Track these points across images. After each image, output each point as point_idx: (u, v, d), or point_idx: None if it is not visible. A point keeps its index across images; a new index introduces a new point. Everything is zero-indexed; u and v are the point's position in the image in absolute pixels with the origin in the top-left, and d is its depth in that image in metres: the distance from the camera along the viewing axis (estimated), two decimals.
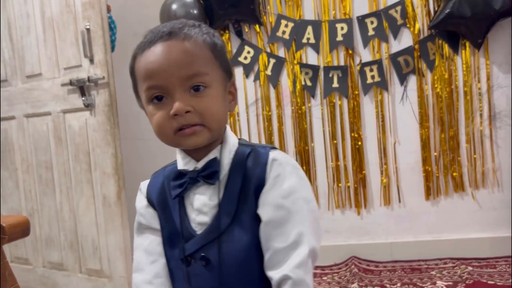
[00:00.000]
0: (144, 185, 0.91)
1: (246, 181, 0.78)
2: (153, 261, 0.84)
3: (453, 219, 2.39)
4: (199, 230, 0.80)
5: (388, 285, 2.11)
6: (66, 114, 2.16)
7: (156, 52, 0.76)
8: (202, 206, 0.80)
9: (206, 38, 0.80)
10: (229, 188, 0.79)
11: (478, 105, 2.33)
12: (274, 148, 0.83)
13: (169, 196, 0.83)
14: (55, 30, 2.16)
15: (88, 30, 2.01)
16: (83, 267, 2.20)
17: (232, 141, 0.83)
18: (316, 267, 2.42)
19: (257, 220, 0.77)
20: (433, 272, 2.22)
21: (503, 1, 2.14)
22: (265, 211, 0.76)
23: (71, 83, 2.06)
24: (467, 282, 2.06)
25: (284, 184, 0.77)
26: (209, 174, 0.79)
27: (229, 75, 0.84)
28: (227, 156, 0.81)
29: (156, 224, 0.86)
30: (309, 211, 0.78)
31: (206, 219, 0.80)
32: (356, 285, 2.10)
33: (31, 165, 2.34)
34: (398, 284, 2.11)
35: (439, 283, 2.09)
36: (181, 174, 0.81)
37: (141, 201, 0.90)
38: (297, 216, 0.76)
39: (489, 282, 2.05)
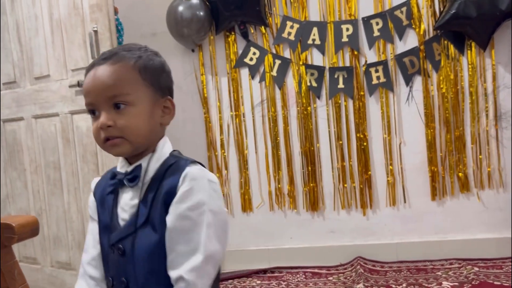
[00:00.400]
0: (93, 182, 1.03)
1: (161, 188, 0.88)
2: (95, 245, 0.97)
3: (459, 220, 2.39)
4: (122, 225, 0.92)
5: (393, 286, 2.11)
6: (74, 115, 2.18)
7: (91, 74, 0.90)
8: (124, 204, 0.92)
9: (137, 61, 0.91)
10: (148, 192, 0.89)
11: (484, 106, 2.33)
12: (195, 163, 0.91)
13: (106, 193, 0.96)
14: (63, 32, 2.18)
15: (95, 32, 2.03)
16: None
17: (163, 152, 0.93)
18: (322, 267, 2.43)
19: (166, 224, 0.87)
20: (439, 273, 2.22)
21: (509, 1, 2.14)
22: (171, 219, 0.85)
23: (78, 84, 2.08)
24: (473, 282, 2.06)
25: (194, 198, 0.85)
26: (132, 178, 0.91)
27: (164, 92, 0.95)
28: (153, 164, 0.91)
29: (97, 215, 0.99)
30: (214, 222, 0.86)
31: (126, 216, 0.91)
32: (361, 285, 2.10)
33: (39, 165, 2.36)
34: (404, 285, 2.11)
35: (445, 283, 2.09)
36: (115, 175, 0.94)
37: (90, 195, 1.02)
38: (201, 226, 0.85)
39: (496, 283, 2.05)
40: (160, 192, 0.88)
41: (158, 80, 0.93)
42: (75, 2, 2.12)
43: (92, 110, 0.90)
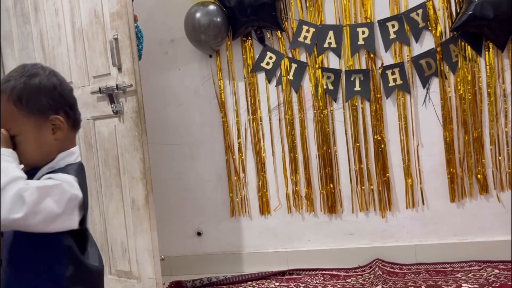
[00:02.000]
0: None
1: None
2: None
3: (478, 221, 2.38)
4: None
5: None
6: (96, 121, 2.24)
7: None
8: None
9: (11, 94, 1.00)
10: None
11: (503, 107, 2.31)
12: (68, 173, 1.02)
13: None
14: (85, 40, 2.24)
15: (116, 39, 2.09)
16: (113, 269, 2.27)
17: (59, 163, 1.05)
18: (340, 269, 2.44)
19: None
20: (459, 275, 2.21)
21: None
22: None
23: (100, 91, 2.14)
24: (493, 285, 2.04)
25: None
26: (29, 177, 0.99)
27: (47, 113, 1.04)
28: (44, 170, 1.04)
29: None
30: (55, 185, 0.96)
31: None
32: (380, 287, 2.11)
33: None
34: (423, 287, 2.11)
35: (464, 285, 2.08)
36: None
37: None
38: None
39: None
40: None
41: (37, 105, 1.02)
42: (96, 10, 2.18)
43: None
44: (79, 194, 1.00)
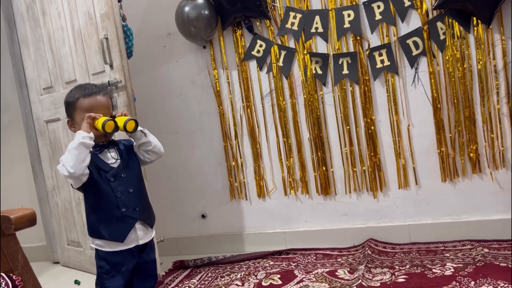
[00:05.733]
0: None
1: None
2: None
3: (473, 200, 2.35)
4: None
5: (397, 267, 2.15)
6: None
7: (98, 99, 1.52)
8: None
9: (107, 91, 1.60)
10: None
11: (494, 83, 2.25)
12: None
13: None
14: (83, 41, 2.42)
15: (106, 39, 2.25)
16: None
17: None
18: (334, 249, 2.51)
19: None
20: (448, 254, 2.22)
21: None
22: None
23: None
24: (477, 264, 2.04)
25: None
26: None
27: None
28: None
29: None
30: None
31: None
32: (363, 266, 2.17)
33: None
34: (408, 266, 2.14)
35: (449, 265, 2.09)
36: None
37: None
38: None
39: (501, 264, 2.01)
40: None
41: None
42: (89, 12, 2.34)
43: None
44: None
